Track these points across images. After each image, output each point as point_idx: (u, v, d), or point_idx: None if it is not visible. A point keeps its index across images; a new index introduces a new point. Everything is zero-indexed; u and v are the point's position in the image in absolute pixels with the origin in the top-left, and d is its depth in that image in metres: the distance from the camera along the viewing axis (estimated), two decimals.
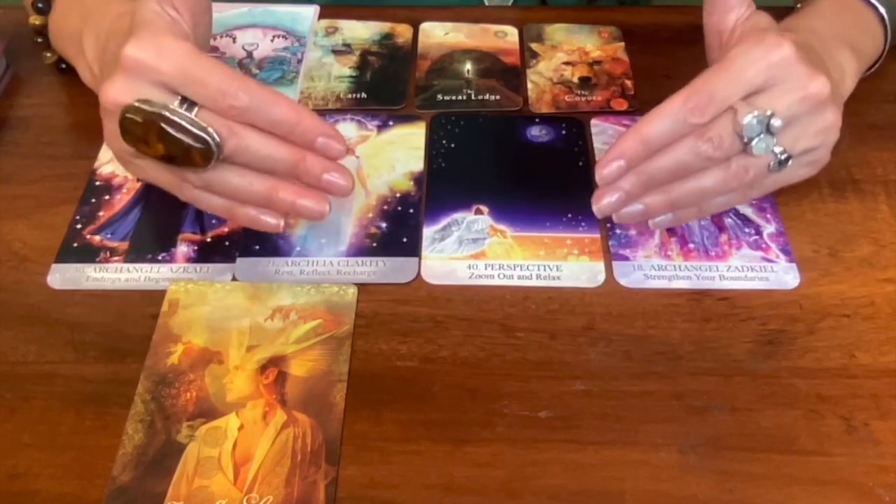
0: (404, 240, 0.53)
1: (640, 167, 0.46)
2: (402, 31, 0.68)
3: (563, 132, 0.60)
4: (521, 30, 0.68)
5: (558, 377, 0.47)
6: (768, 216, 0.54)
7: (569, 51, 0.67)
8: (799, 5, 0.58)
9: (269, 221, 0.48)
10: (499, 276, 0.51)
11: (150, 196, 0.56)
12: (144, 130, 0.45)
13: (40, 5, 0.60)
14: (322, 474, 0.42)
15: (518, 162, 0.59)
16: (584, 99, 0.63)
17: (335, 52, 0.67)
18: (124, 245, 0.53)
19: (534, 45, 0.67)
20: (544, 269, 0.52)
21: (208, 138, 0.44)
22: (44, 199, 0.56)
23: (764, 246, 0.53)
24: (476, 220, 0.55)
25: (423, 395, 0.46)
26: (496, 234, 0.54)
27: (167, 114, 0.44)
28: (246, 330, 0.48)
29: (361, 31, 0.68)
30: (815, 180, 0.52)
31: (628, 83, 0.64)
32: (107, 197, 0.56)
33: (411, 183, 0.57)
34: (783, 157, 0.46)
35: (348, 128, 0.61)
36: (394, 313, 0.50)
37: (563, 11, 0.71)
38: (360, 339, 0.48)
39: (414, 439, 0.44)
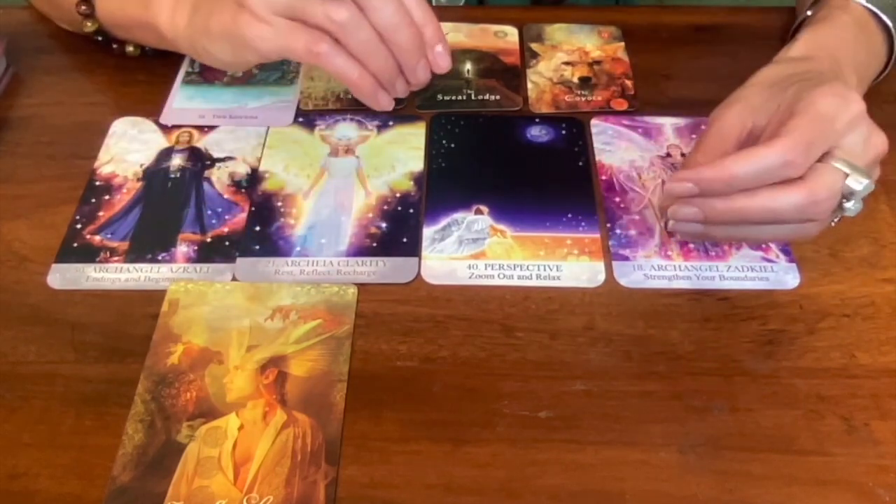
0: (404, 240, 0.53)
1: (738, 205, 0.44)
2: None
3: (563, 132, 0.60)
4: (521, 30, 0.68)
5: (558, 377, 0.47)
6: None
7: (569, 51, 0.67)
8: (809, 12, 0.57)
9: (383, 99, 0.50)
10: (499, 276, 0.51)
11: (150, 196, 0.56)
12: None
13: None
14: (322, 474, 0.42)
15: (518, 162, 0.59)
16: (584, 99, 0.63)
17: None
18: (124, 245, 0.53)
19: (534, 45, 0.67)
20: (544, 269, 0.52)
21: None
22: (44, 199, 0.56)
23: (764, 246, 0.53)
24: (476, 220, 0.55)
25: (423, 395, 0.46)
26: (496, 234, 0.54)
27: None
28: (246, 330, 0.48)
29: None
30: None
31: (628, 83, 0.64)
32: (107, 197, 0.56)
33: (411, 183, 0.57)
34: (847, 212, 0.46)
35: (348, 128, 0.61)
36: (394, 313, 0.50)
37: (564, 11, 0.71)
38: (360, 339, 0.48)
39: (414, 439, 0.44)
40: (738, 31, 0.68)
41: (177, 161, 0.58)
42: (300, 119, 0.61)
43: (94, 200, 0.56)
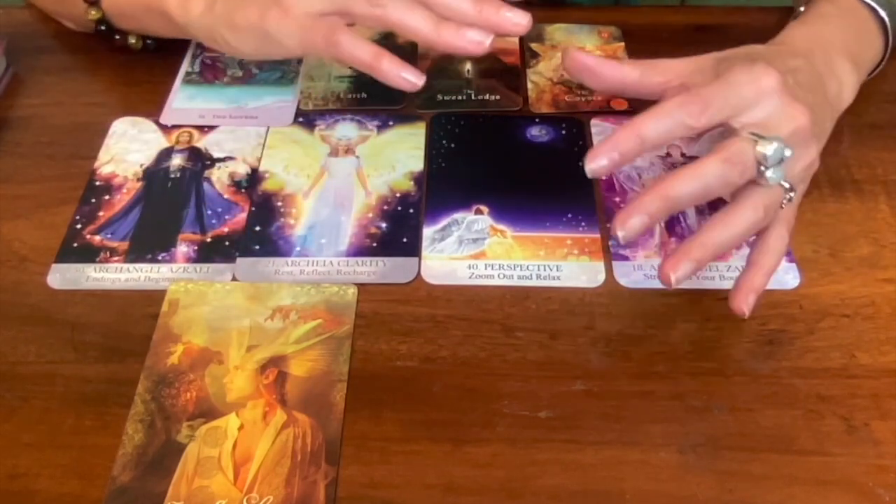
0: (404, 240, 0.53)
1: (664, 191, 0.44)
2: None
3: (563, 132, 0.60)
4: None
5: (558, 377, 0.47)
6: None
7: None
8: (802, 8, 0.58)
9: (410, 76, 0.49)
10: (499, 276, 0.51)
11: (150, 196, 0.56)
12: None
13: None
14: (322, 474, 0.42)
15: (518, 162, 0.59)
16: (584, 99, 0.63)
17: None
18: (124, 245, 0.53)
19: (534, 45, 0.67)
20: (544, 269, 0.52)
21: None
22: (44, 199, 0.56)
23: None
24: (476, 220, 0.55)
25: (423, 395, 0.46)
26: (496, 234, 0.54)
27: None
28: (246, 330, 0.48)
29: (362, 31, 0.68)
30: (815, 180, 0.52)
31: None
32: (107, 197, 0.56)
33: (411, 183, 0.57)
34: (789, 191, 0.45)
35: (348, 128, 0.61)
36: (394, 313, 0.50)
37: (564, 11, 0.71)
38: (360, 339, 0.48)
39: (414, 439, 0.44)
40: (738, 31, 0.68)
41: (177, 161, 0.58)
42: (300, 119, 0.61)
43: (94, 200, 0.56)
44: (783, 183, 0.45)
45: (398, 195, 0.56)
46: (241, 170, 0.58)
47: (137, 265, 0.52)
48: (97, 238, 0.53)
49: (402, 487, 0.42)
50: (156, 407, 0.45)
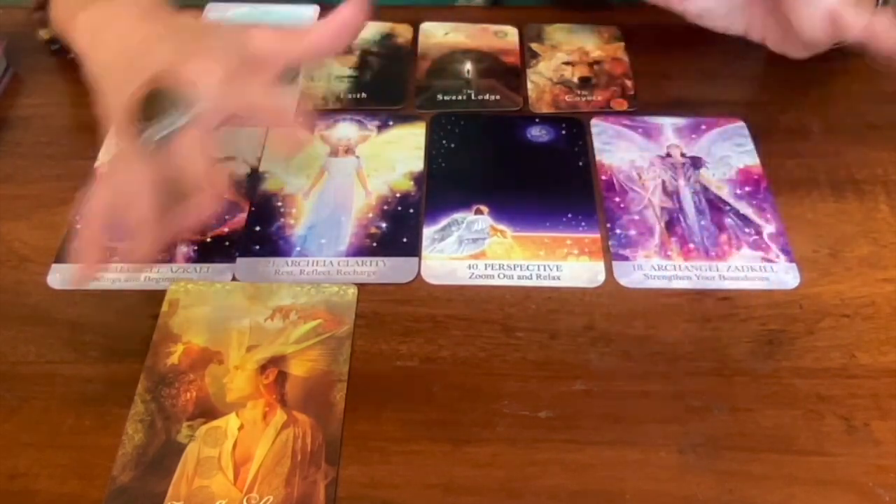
0: (404, 240, 0.53)
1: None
2: (402, 31, 0.68)
3: (563, 132, 0.60)
4: (521, 30, 0.68)
5: (558, 377, 0.47)
6: (768, 216, 0.54)
7: (569, 51, 0.67)
8: None
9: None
10: (499, 276, 0.51)
11: None
12: None
13: None
14: (322, 474, 0.42)
15: (518, 162, 0.59)
16: (584, 99, 0.63)
17: None
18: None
19: (534, 45, 0.67)
20: (544, 269, 0.52)
21: None
22: (44, 199, 0.56)
23: (764, 246, 0.53)
24: (476, 220, 0.55)
25: (423, 395, 0.46)
26: (496, 234, 0.54)
27: None
28: (246, 330, 0.48)
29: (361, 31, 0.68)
30: (815, 180, 0.52)
31: (628, 83, 0.64)
32: None
33: (411, 183, 0.57)
34: None
35: (348, 128, 0.61)
36: (394, 313, 0.50)
37: (564, 11, 0.71)
38: (360, 339, 0.48)
39: (414, 439, 0.44)
40: None
41: None
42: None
43: None
44: None
45: (398, 195, 0.56)
46: (241, 170, 0.58)
47: (137, 265, 0.52)
48: None
49: (402, 487, 0.42)
50: (156, 407, 0.45)
